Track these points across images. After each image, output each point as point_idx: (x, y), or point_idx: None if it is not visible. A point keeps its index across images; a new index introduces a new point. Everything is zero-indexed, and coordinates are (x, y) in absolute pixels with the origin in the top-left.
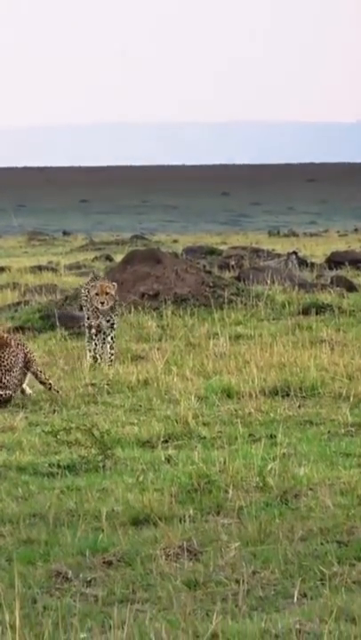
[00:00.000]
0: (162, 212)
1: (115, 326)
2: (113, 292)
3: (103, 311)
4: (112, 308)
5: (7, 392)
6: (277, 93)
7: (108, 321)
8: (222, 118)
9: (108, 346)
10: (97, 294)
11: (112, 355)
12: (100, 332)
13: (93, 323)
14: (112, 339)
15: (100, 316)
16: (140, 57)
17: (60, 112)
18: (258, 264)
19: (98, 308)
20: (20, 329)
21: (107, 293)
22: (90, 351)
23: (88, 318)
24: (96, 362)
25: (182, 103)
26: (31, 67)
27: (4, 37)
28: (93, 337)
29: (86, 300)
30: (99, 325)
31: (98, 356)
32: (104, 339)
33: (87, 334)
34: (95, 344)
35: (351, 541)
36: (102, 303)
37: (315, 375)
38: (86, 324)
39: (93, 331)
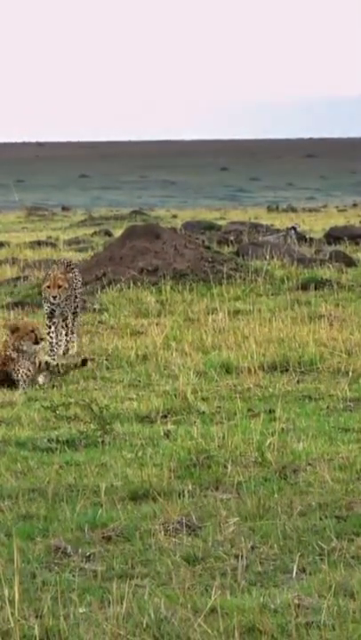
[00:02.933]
0: (161, 187)
1: (75, 316)
2: (66, 285)
3: (57, 303)
4: (68, 297)
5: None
6: (277, 68)
7: (62, 313)
8: (223, 94)
9: (70, 333)
10: (48, 287)
11: (72, 344)
12: (53, 321)
13: (46, 310)
14: (72, 326)
15: (54, 305)
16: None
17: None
18: (257, 239)
19: (50, 301)
20: (18, 304)
21: (59, 286)
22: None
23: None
24: (52, 353)
25: (183, 81)
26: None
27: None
28: (50, 326)
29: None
30: (52, 312)
31: (54, 346)
32: (66, 326)
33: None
34: (51, 335)
35: (350, 516)
36: (54, 297)
37: (314, 350)
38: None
39: (47, 322)
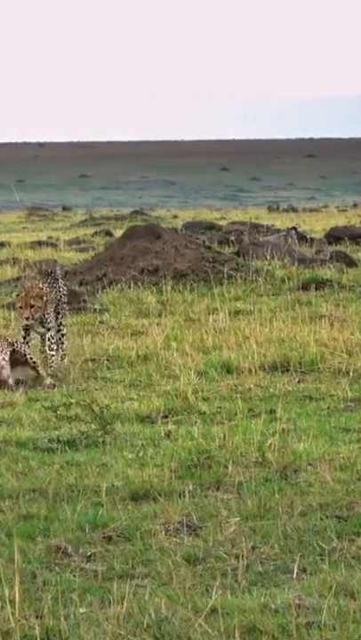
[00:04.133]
0: (161, 187)
1: (62, 326)
2: (40, 304)
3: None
4: (47, 308)
5: None
6: (277, 68)
7: (41, 322)
8: (224, 94)
9: (53, 345)
10: (20, 307)
11: (55, 355)
12: (28, 333)
13: (22, 323)
14: (51, 337)
15: (28, 322)
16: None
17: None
18: (257, 239)
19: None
20: None
21: (32, 306)
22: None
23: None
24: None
25: (183, 81)
26: None
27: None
28: (24, 339)
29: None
30: (27, 327)
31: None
32: (49, 338)
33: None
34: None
35: (350, 516)
36: (27, 318)
37: (314, 350)
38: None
39: (23, 333)
